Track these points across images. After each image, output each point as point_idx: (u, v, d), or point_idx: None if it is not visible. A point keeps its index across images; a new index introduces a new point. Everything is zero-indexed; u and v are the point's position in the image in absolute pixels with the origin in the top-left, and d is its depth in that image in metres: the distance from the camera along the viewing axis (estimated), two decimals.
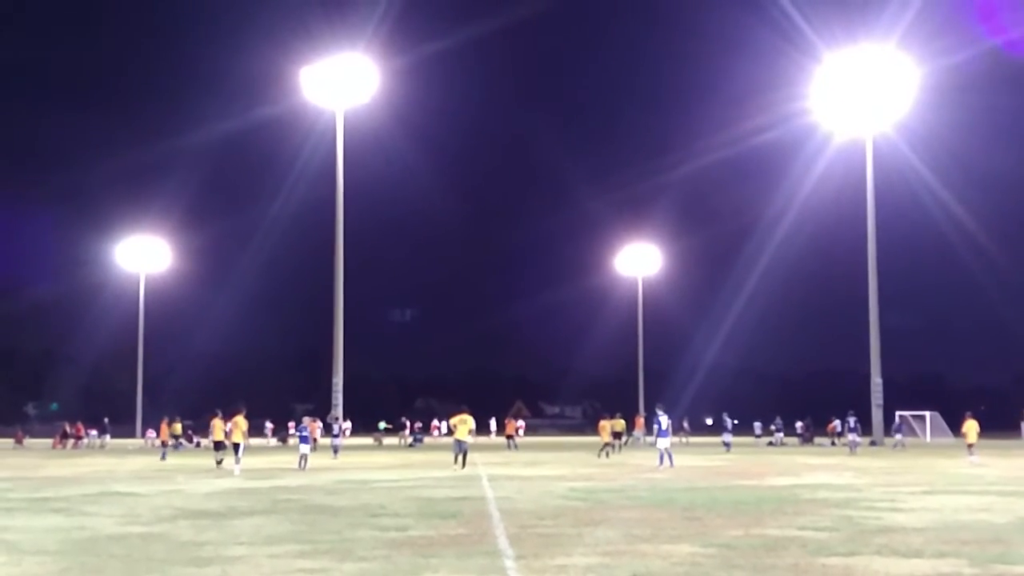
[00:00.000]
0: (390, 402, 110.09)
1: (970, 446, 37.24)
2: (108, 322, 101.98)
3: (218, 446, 32.92)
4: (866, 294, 67.23)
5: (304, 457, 32.30)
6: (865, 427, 58.98)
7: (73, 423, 65.34)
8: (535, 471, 29.70)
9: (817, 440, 65.97)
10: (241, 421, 31.15)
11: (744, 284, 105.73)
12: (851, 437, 50.67)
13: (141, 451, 53.78)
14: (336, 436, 46.94)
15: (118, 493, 20.94)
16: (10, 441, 67.22)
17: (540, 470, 30.43)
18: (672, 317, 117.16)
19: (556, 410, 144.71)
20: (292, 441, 51.77)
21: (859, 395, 68.64)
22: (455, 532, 13.22)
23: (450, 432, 32.97)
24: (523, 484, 23.23)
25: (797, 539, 12.26)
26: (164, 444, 43.01)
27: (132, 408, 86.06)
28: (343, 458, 40.74)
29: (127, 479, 26.19)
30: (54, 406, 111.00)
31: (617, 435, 47.85)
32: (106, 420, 60.38)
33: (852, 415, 51.89)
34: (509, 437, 55.70)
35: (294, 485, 23.36)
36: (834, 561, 10.48)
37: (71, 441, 61.65)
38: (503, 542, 12.03)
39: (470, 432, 31.35)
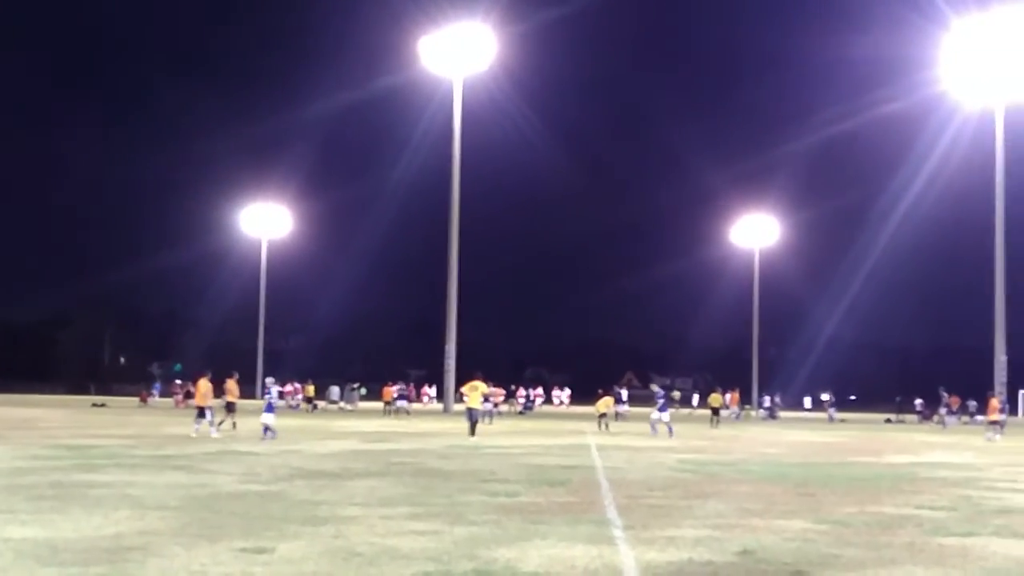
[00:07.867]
0: (501, 370, 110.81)
1: (992, 423, 37.92)
2: (231, 286, 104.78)
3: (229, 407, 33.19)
4: (993, 269, 65.13)
5: (267, 427, 27.23)
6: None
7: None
8: (644, 442, 29.64)
9: (937, 418, 64.34)
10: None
11: (865, 257, 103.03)
12: (943, 412, 54.73)
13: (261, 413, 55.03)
14: (487, 402, 47.14)
15: (237, 452, 21.51)
16: (135, 400, 69.51)
17: (650, 441, 30.35)
18: (789, 289, 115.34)
19: (667, 381, 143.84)
20: (344, 405, 53.69)
21: (983, 373, 66.56)
22: (564, 500, 13.28)
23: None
24: (632, 455, 23.21)
25: (913, 518, 12.00)
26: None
27: (253, 370, 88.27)
28: (453, 423, 41.17)
29: (247, 439, 26.89)
30: (178, 367, 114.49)
31: (715, 411, 48.52)
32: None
33: (943, 391, 55.42)
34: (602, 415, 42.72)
35: (407, 448, 23.73)
36: (951, 541, 10.24)
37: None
38: (612, 511, 12.03)
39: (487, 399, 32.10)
